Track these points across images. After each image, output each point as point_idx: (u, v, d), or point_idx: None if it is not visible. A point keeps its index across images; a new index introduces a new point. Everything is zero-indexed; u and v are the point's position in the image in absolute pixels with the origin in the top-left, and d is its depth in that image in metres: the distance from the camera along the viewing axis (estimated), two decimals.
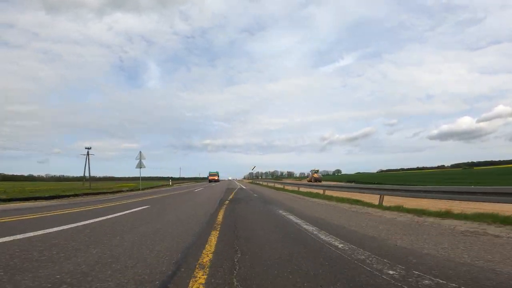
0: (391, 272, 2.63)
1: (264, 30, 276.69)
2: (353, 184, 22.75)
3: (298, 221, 6.20)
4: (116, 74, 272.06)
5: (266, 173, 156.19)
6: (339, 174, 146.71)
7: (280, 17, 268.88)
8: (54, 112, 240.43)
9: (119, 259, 3.07)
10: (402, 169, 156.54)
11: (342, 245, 3.78)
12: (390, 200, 9.68)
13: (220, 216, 6.77)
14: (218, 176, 64.01)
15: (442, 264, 2.92)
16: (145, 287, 2.28)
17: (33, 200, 12.64)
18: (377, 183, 43.43)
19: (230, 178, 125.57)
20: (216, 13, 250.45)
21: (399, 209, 7.81)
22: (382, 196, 9.49)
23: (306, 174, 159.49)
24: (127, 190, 24.94)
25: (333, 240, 4.21)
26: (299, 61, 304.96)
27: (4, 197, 12.66)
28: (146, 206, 9.15)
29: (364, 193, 11.51)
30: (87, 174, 55.07)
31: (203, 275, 2.55)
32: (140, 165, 27.11)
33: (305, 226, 5.49)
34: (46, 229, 4.86)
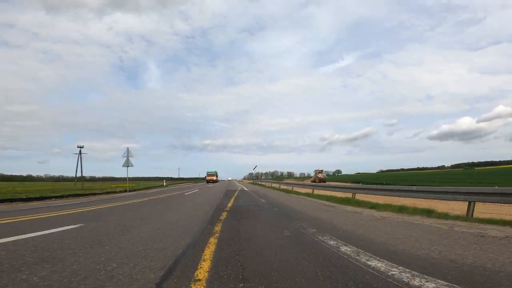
0: None
1: (264, 30, 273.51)
2: (379, 186, 18.98)
3: (394, 271, 2.45)
4: (116, 74, 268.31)
5: (266, 173, 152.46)
6: (339, 174, 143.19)
7: (280, 17, 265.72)
8: (54, 112, 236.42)
9: None
10: (402, 169, 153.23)
11: None
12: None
13: (207, 254, 3.05)
14: (217, 176, 58.06)
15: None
16: None
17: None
18: (386, 184, 40.00)
19: (230, 178, 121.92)
20: (216, 13, 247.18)
21: None
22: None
23: (306, 175, 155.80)
24: (121, 191, 22.18)
25: None
26: (299, 61, 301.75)
27: None
28: (75, 226, 5.12)
29: (392, 196, 8.89)
30: (79, 174, 51.14)
31: None
32: (127, 164, 23.34)
33: None
34: None
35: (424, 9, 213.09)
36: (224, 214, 6.84)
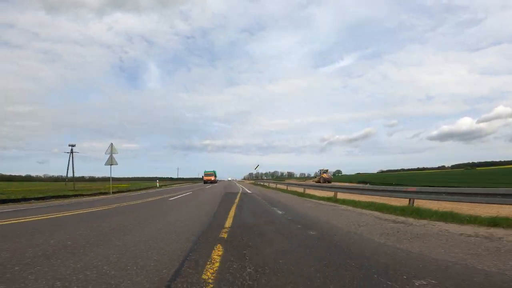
0: None
1: (264, 30, 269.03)
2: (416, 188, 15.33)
3: None
4: (116, 74, 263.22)
5: (266, 173, 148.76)
6: (340, 174, 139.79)
7: (280, 17, 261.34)
8: (54, 112, 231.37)
9: None
10: (403, 170, 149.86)
11: None
12: None
13: None
14: (215, 176, 51.87)
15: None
16: None
17: None
18: (395, 184, 36.43)
19: (229, 178, 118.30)
20: (216, 13, 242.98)
21: None
22: None
23: (306, 175, 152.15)
24: (102, 193, 18.53)
25: None
26: (299, 62, 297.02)
27: None
28: None
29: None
30: (71, 174, 47.41)
31: None
32: (110, 162, 19.66)
33: None
34: None
35: (424, 10, 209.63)
36: (218, 251, 3.21)
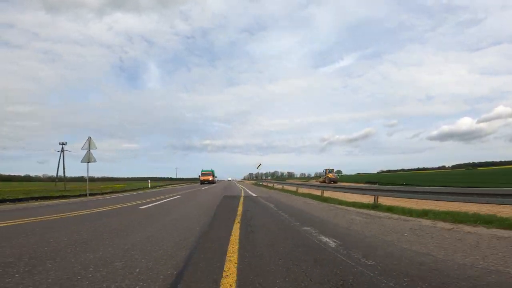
0: None
1: (264, 30, 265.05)
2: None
3: None
4: (116, 74, 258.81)
5: (266, 173, 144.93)
6: (340, 174, 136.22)
7: (280, 17, 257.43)
8: (54, 112, 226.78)
9: None
10: (403, 170, 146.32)
11: None
12: None
13: None
14: (214, 176, 46.10)
15: None
16: None
17: None
18: (405, 184, 32.79)
19: (229, 178, 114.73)
20: (216, 13, 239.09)
21: None
22: None
23: (307, 175, 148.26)
24: (109, 192, 17.49)
25: None
26: (299, 62, 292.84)
27: None
28: None
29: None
30: (61, 173, 43.60)
31: None
32: (87, 159, 15.99)
33: None
34: None
35: (424, 10, 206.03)
36: None
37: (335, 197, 11.78)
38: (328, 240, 3.73)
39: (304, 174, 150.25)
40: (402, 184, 33.33)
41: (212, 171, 45.21)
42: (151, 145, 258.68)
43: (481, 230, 4.19)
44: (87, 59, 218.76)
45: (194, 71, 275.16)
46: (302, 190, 17.17)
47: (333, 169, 45.29)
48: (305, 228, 4.66)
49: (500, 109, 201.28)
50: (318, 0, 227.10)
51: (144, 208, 7.54)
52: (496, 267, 2.49)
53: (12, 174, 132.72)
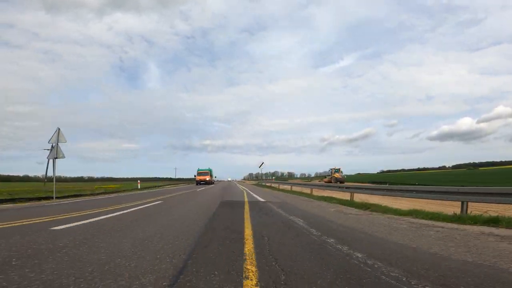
0: None
1: (265, 30, 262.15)
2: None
3: None
4: (116, 74, 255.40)
5: (266, 173, 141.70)
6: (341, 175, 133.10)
7: (280, 17, 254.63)
8: (54, 112, 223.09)
9: None
10: (403, 170, 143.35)
11: None
12: None
13: None
14: (211, 176, 40.01)
15: None
16: None
17: None
18: (416, 184, 29.76)
19: (229, 179, 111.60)
20: (216, 13, 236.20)
21: None
22: None
23: (307, 175, 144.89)
24: (90, 194, 15.10)
25: None
26: (299, 62, 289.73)
27: None
28: None
29: None
30: (50, 173, 40.30)
31: None
32: (54, 154, 12.81)
33: None
34: None
35: (424, 10, 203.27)
36: None
37: (366, 200, 8.62)
38: None
39: (304, 174, 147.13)
40: (415, 184, 30.31)
41: (210, 170, 39.77)
42: (151, 145, 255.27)
43: None
44: (87, 59, 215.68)
45: (194, 71, 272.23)
46: (319, 191, 13.98)
47: (339, 169, 41.99)
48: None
49: (500, 109, 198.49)
50: (318, 0, 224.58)
51: (61, 229, 4.08)
52: None
53: (11, 174, 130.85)
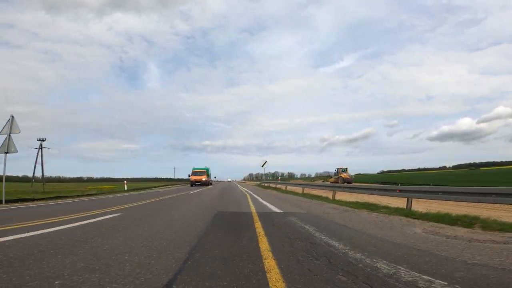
0: None
1: (265, 30, 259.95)
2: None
3: None
4: (116, 74, 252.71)
5: (267, 174, 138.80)
6: None
7: (280, 17, 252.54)
8: (54, 112, 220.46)
9: None
10: (404, 170, 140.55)
11: None
12: None
13: None
14: (208, 175, 34.82)
15: None
16: None
17: None
18: (427, 184, 26.88)
19: (229, 179, 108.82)
20: (216, 13, 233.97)
21: None
22: None
23: (307, 175, 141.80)
24: (64, 196, 13.31)
25: None
26: (299, 62, 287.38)
27: None
28: None
29: None
30: (38, 173, 37.48)
31: None
32: (5, 148, 9.89)
33: None
34: None
35: (424, 10, 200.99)
36: None
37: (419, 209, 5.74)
38: None
39: (305, 175, 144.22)
40: (429, 185, 27.54)
41: (207, 169, 34.73)
42: (151, 145, 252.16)
43: None
44: (87, 59, 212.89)
45: (194, 71, 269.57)
46: (342, 196, 11.07)
47: (346, 168, 39.00)
48: None
49: (500, 109, 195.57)
50: (318, 0, 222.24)
51: None
52: None
53: (11, 174, 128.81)
